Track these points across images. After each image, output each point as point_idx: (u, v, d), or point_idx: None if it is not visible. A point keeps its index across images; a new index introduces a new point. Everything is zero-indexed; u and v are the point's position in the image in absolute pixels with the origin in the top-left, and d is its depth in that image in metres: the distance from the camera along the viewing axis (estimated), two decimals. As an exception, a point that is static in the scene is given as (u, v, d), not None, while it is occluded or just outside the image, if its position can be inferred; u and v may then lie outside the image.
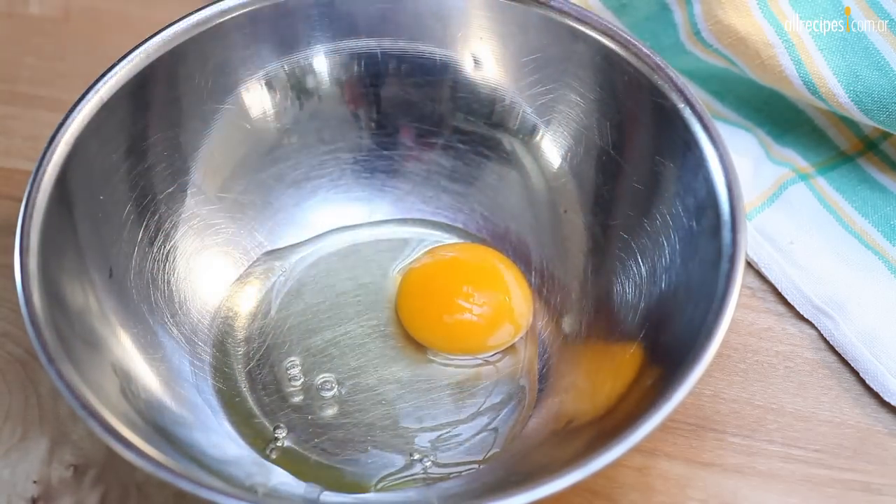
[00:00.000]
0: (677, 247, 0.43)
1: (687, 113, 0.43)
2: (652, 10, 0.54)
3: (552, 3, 0.46)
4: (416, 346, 0.47)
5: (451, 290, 0.47)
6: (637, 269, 0.45)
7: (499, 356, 0.46)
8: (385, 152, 0.51)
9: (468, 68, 0.49)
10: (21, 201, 0.41)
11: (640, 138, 0.46)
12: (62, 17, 0.59)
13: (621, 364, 0.43)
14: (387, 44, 0.49)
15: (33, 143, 0.53)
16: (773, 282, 0.49)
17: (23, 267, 0.39)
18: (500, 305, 0.46)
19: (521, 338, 0.47)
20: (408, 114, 0.50)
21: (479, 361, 0.46)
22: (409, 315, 0.47)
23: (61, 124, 0.42)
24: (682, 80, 0.43)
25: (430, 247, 0.49)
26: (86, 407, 0.37)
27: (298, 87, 0.49)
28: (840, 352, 0.47)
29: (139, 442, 0.37)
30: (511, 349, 0.46)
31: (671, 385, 0.37)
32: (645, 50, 0.44)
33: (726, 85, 0.54)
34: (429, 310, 0.47)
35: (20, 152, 0.53)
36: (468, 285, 0.46)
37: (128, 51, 0.44)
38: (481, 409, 0.45)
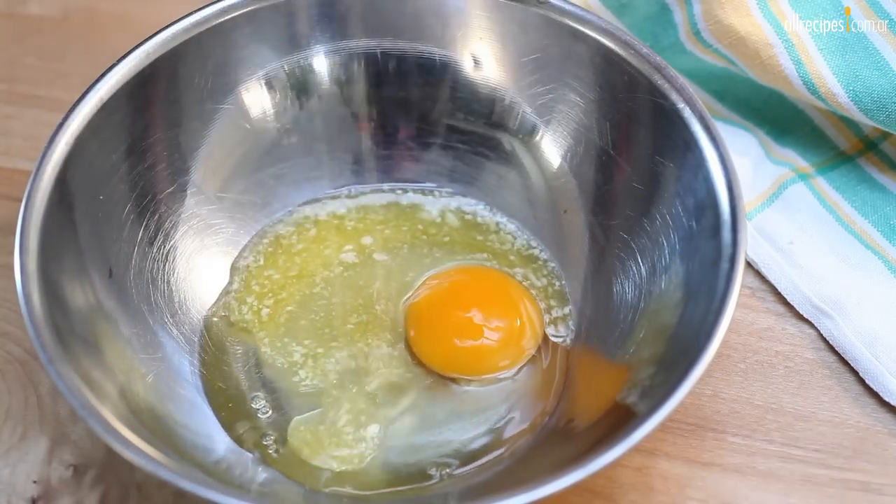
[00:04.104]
0: (677, 247, 0.43)
1: (687, 113, 0.43)
2: (652, 10, 0.54)
3: (552, 2, 0.46)
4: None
5: (462, 317, 0.46)
6: (637, 268, 0.45)
7: (515, 370, 0.46)
8: (385, 152, 0.51)
9: (468, 68, 0.49)
10: (21, 201, 0.41)
11: (640, 138, 0.46)
12: (61, 16, 0.59)
13: (621, 364, 0.43)
14: (386, 44, 0.49)
15: (33, 143, 0.53)
16: (772, 282, 0.49)
17: (23, 267, 0.39)
18: (511, 327, 0.46)
19: (538, 351, 0.46)
20: (407, 114, 0.50)
21: (493, 378, 0.46)
22: (422, 346, 0.46)
23: (61, 124, 0.42)
24: (682, 80, 0.43)
25: (432, 273, 0.49)
26: (86, 407, 0.37)
27: (298, 88, 0.49)
28: (840, 352, 0.47)
29: (139, 442, 0.37)
30: (530, 359, 0.46)
31: (671, 385, 0.37)
32: (645, 50, 0.44)
33: (726, 85, 0.54)
34: (441, 340, 0.46)
35: (20, 152, 0.53)
36: (478, 310, 0.46)
37: (127, 51, 0.44)
38: (495, 425, 0.44)
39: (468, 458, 0.43)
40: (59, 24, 0.59)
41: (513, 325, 0.46)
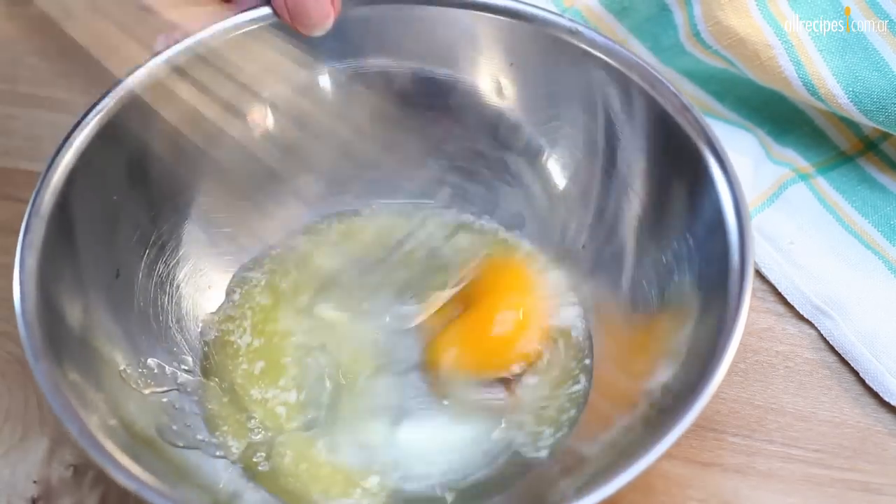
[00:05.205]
0: (686, 271, 0.43)
1: (699, 142, 0.42)
2: (652, 11, 0.54)
3: (582, 31, 0.45)
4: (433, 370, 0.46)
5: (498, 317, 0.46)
6: (644, 293, 0.44)
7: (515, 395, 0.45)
8: (390, 170, 0.49)
9: (475, 89, 0.48)
10: (21, 201, 0.41)
11: (650, 162, 0.45)
12: (62, 17, 0.59)
13: (635, 384, 0.42)
14: (393, 64, 0.48)
15: (33, 143, 0.53)
16: (773, 282, 0.49)
17: (22, 264, 0.39)
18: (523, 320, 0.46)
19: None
20: (413, 133, 0.49)
21: (501, 398, 0.45)
22: (474, 353, 0.46)
23: (68, 135, 0.42)
24: (705, 121, 0.43)
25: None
26: (65, 409, 0.36)
27: (304, 106, 0.48)
28: (840, 352, 0.47)
29: (115, 450, 0.36)
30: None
31: (685, 403, 0.37)
32: (672, 88, 0.43)
33: (726, 85, 0.54)
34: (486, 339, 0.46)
35: (20, 152, 0.53)
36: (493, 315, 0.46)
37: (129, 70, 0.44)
38: (507, 449, 0.43)
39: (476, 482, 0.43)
40: (59, 24, 0.59)
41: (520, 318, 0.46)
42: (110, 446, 0.36)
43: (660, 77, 0.44)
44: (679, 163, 0.43)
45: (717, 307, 0.39)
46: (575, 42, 0.46)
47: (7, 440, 0.44)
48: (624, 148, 0.46)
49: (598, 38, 0.45)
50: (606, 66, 0.45)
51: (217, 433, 0.43)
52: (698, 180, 0.42)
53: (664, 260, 0.44)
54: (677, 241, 0.43)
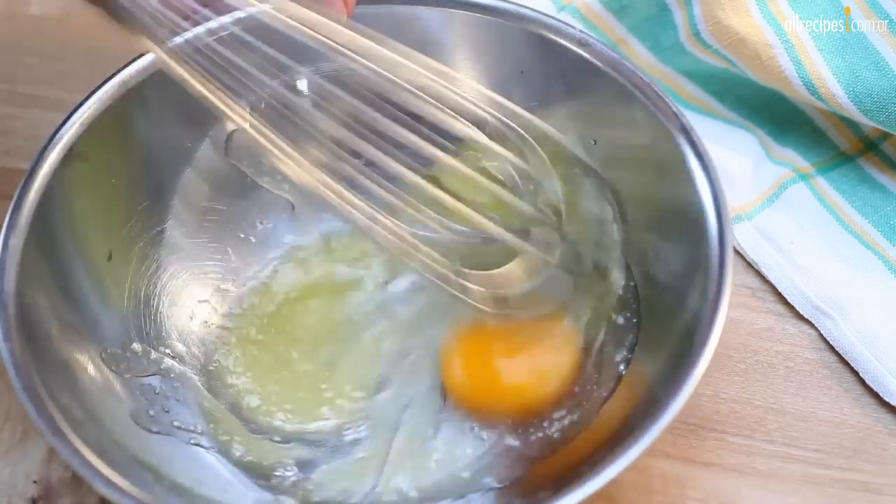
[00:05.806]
0: (665, 272, 0.43)
1: (682, 143, 0.42)
2: (652, 10, 0.54)
3: (591, 43, 0.45)
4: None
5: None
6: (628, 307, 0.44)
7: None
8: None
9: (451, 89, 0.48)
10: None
11: (631, 161, 0.45)
12: (62, 16, 0.59)
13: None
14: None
15: (34, 144, 0.53)
16: (773, 282, 0.49)
17: (5, 245, 0.40)
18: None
19: None
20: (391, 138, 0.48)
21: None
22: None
23: (62, 125, 0.43)
24: (702, 145, 0.42)
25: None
26: (27, 388, 0.37)
27: (280, 113, 0.48)
28: (840, 352, 0.47)
29: (66, 427, 0.37)
30: None
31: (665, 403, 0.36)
32: (674, 109, 0.43)
33: (726, 85, 0.54)
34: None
35: (20, 152, 0.53)
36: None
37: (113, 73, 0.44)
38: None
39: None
40: (59, 24, 0.59)
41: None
42: (65, 425, 0.37)
43: (663, 96, 0.43)
44: (666, 174, 0.43)
45: (697, 306, 0.39)
46: (584, 54, 0.45)
47: (7, 440, 0.44)
48: (614, 155, 0.46)
49: (606, 52, 0.45)
50: (613, 80, 0.45)
51: (216, 433, 0.43)
52: (687, 198, 0.42)
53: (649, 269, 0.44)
54: (661, 246, 0.43)
